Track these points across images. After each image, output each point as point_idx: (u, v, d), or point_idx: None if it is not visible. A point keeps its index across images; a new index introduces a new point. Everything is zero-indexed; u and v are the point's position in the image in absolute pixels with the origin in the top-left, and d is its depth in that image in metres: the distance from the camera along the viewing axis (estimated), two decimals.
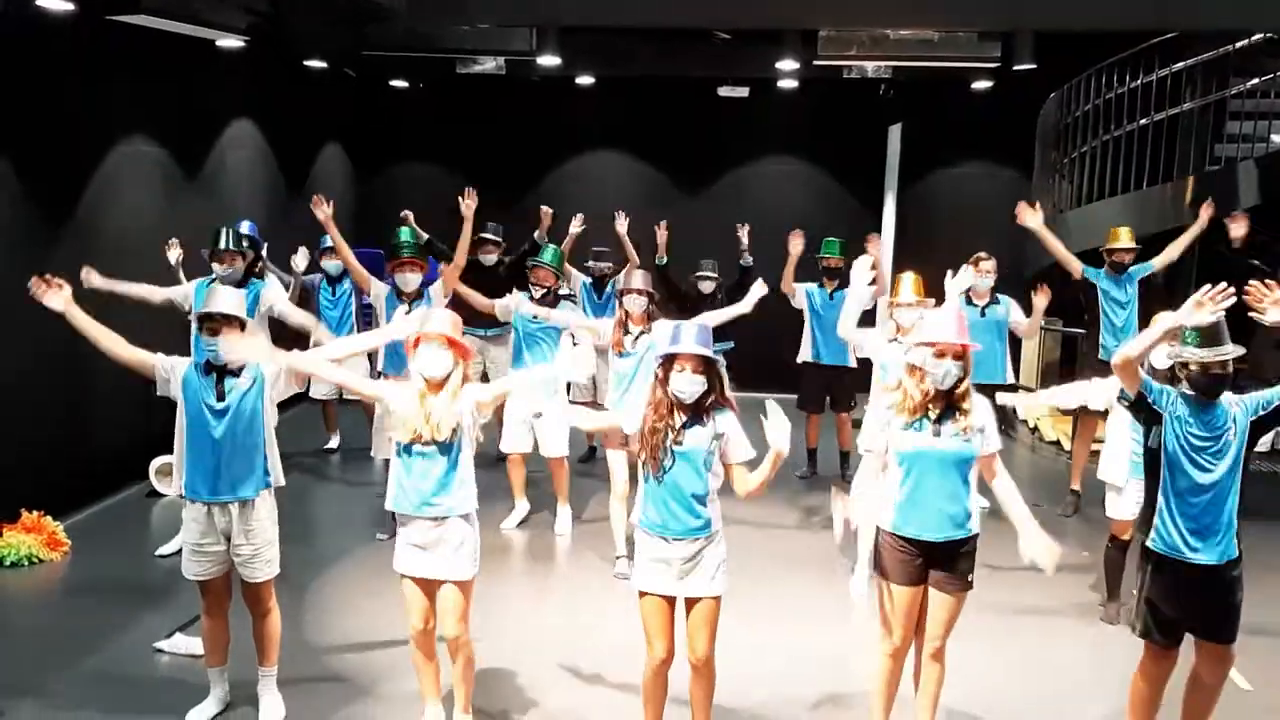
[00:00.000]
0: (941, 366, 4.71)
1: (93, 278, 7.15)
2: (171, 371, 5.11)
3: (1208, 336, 4.60)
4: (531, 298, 7.97)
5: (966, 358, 4.75)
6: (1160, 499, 4.75)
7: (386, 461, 7.70)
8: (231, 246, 7.52)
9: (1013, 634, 6.52)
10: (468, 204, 8.13)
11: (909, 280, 7.07)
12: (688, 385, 4.62)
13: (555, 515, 8.24)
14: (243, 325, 5.07)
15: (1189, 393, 4.68)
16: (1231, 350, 4.61)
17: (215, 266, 7.50)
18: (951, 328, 4.75)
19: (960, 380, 4.74)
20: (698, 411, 4.67)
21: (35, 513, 7.44)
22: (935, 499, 4.76)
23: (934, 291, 8.46)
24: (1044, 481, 9.97)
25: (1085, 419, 8.76)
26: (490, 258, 9.82)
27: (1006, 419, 11.89)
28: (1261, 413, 4.65)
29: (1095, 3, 8.42)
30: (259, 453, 5.14)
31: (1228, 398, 4.70)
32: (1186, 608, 4.77)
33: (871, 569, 5.44)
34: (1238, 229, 8.91)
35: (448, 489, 4.89)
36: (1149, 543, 4.80)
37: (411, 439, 4.84)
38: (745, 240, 9.75)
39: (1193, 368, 4.63)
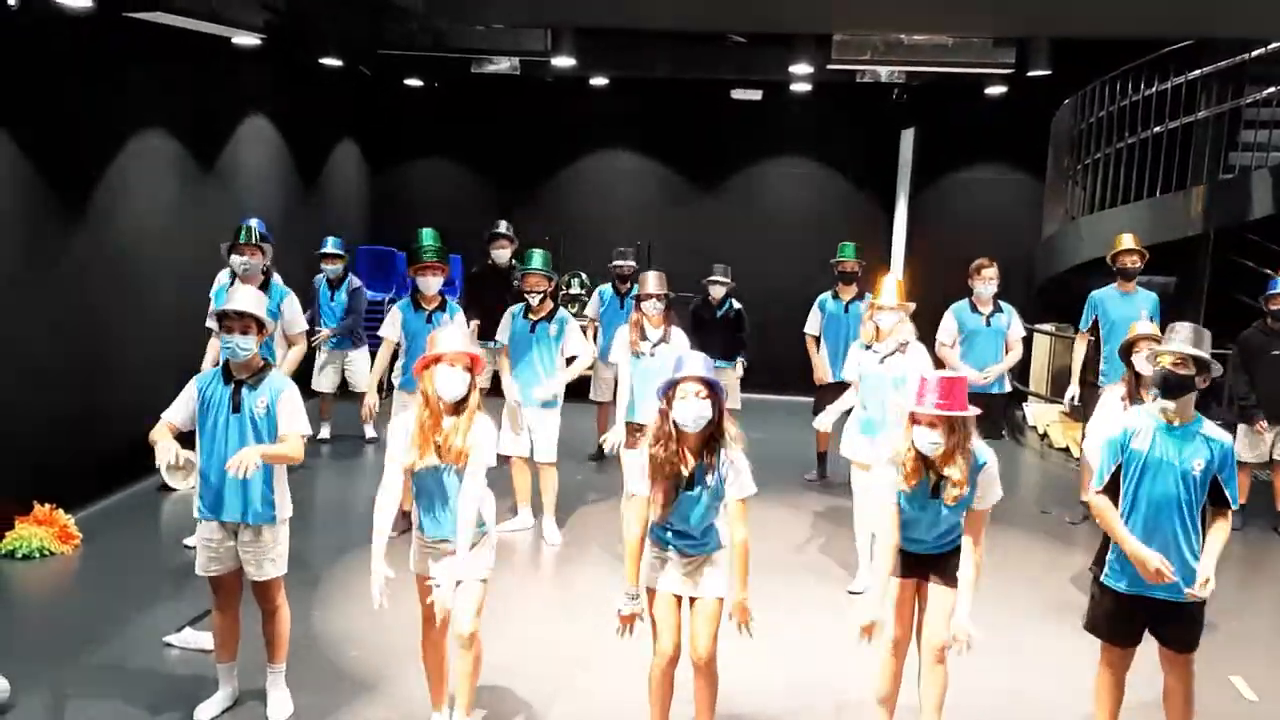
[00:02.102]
0: (924, 436, 4.66)
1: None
2: (189, 414, 5.09)
3: (1179, 335, 4.72)
4: (529, 307, 7.85)
5: (954, 426, 4.63)
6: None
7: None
8: (254, 241, 7.48)
9: (1015, 641, 6.51)
10: None
11: (891, 283, 7.04)
12: (692, 409, 4.52)
13: (543, 523, 8.10)
14: (260, 324, 5.06)
15: (1158, 414, 4.73)
16: (1192, 350, 4.64)
17: (234, 259, 7.46)
18: (931, 399, 4.62)
19: (948, 451, 4.65)
20: (705, 448, 4.62)
21: (47, 505, 7.48)
22: (929, 533, 4.86)
23: (930, 294, 8.48)
24: (1053, 487, 9.97)
25: None
26: (504, 253, 9.81)
27: (1017, 426, 11.89)
28: (1215, 473, 4.65)
29: (1110, 9, 8.39)
30: (272, 482, 5.11)
31: (1208, 428, 4.72)
32: (1141, 623, 4.85)
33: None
34: None
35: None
36: (1101, 579, 4.87)
37: (426, 464, 4.77)
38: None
39: (1160, 363, 4.69)
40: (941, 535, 4.86)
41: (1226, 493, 4.67)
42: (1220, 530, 4.72)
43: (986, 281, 8.53)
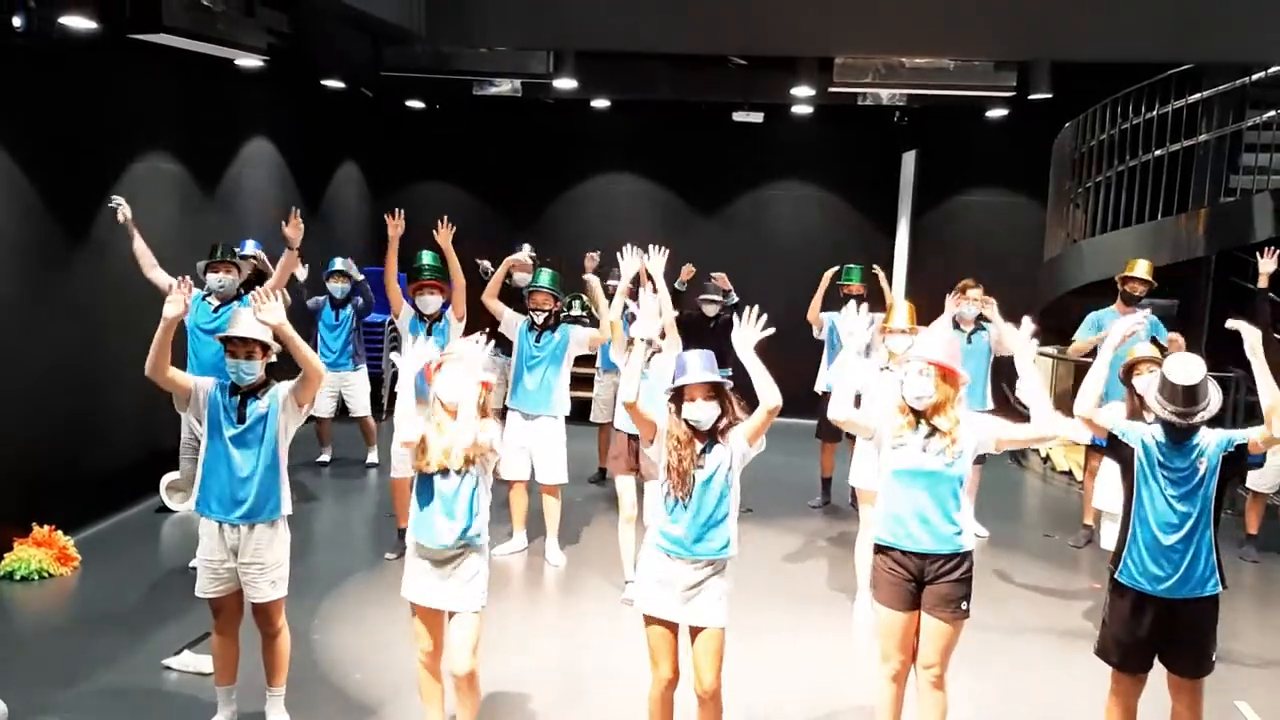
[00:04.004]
0: (916, 383, 4.77)
1: (125, 210, 7.46)
2: (199, 392, 5.14)
3: (1184, 399, 4.63)
4: (533, 323, 7.90)
5: (948, 380, 4.79)
6: (1130, 530, 4.82)
7: (394, 480, 7.79)
8: (227, 258, 7.51)
9: (1017, 664, 6.49)
10: (395, 226, 7.86)
11: (902, 308, 7.07)
12: (702, 413, 4.66)
13: (545, 545, 8.08)
14: (266, 348, 5.09)
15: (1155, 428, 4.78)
16: (1205, 414, 4.64)
17: (209, 277, 7.51)
18: (939, 348, 4.82)
19: (937, 403, 4.78)
20: (714, 434, 4.72)
21: (46, 527, 7.45)
22: (923, 512, 4.81)
23: (932, 316, 8.44)
24: (1056, 512, 9.93)
25: (1095, 453, 8.70)
26: (525, 276, 9.81)
27: (1020, 450, 11.85)
28: (1229, 450, 4.68)
29: (1112, 34, 8.42)
30: (273, 478, 5.13)
31: (1206, 433, 4.73)
32: (1152, 640, 4.82)
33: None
34: (1268, 265, 8.30)
35: (464, 517, 4.88)
36: (1117, 575, 4.86)
37: (431, 468, 4.85)
38: (726, 285, 9.65)
39: (1165, 419, 4.69)
40: (935, 523, 4.79)
41: (1239, 442, 4.65)
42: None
43: (971, 302, 8.51)
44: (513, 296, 9.72)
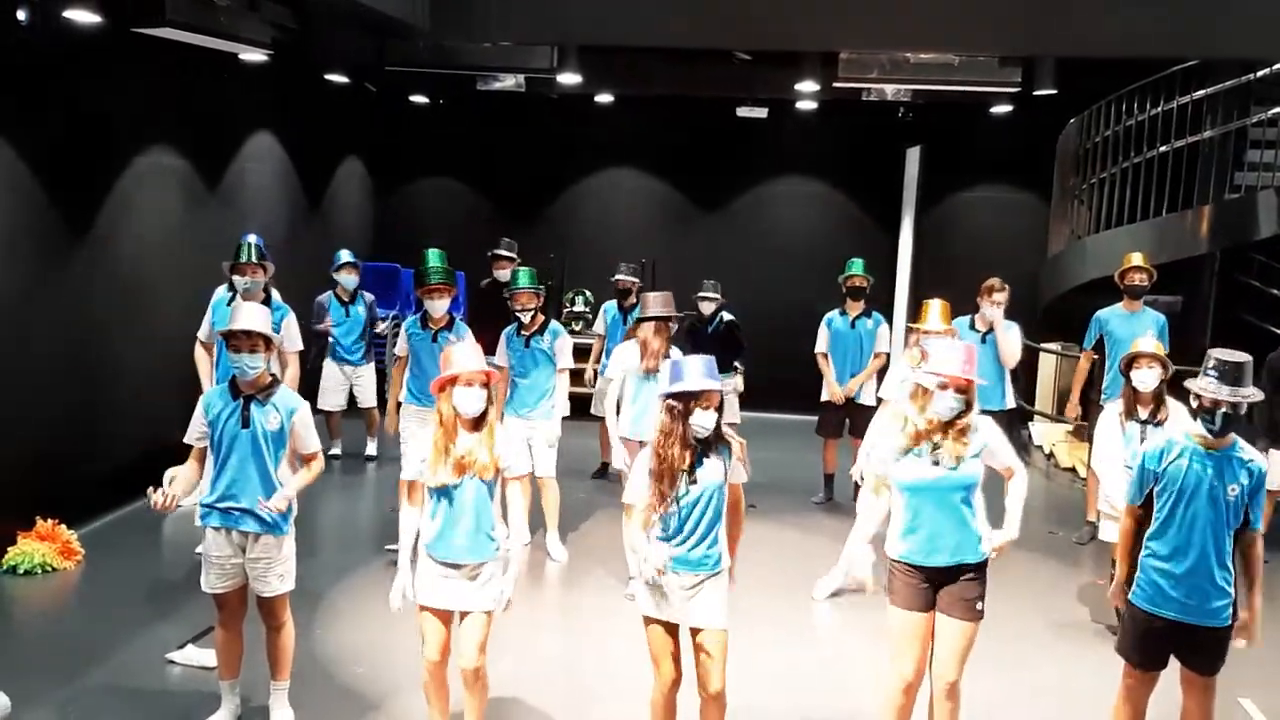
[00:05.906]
0: (944, 399, 4.72)
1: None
2: (204, 435, 5.14)
3: (1229, 374, 4.56)
4: (521, 325, 7.85)
5: (970, 392, 4.74)
6: (1145, 551, 4.78)
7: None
8: (254, 259, 7.55)
9: (1021, 661, 6.48)
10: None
11: (936, 307, 6.94)
12: (710, 421, 4.63)
13: (546, 540, 8.04)
14: (268, 341, 5.08)
15: (1195, 437, 4.70)
16: (1247, 394, 4.56)
17: (236, 279, 7.55)
18: (958, 361, 4.74)
19: (962, 414, 4.74)
20: (705, 445, 4.68)
21: (50, 521, 7.45)
22: (939, 526, 4.77)
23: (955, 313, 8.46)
24: (1059, 508, 9.91)
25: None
26: (504, 273, 9.85)
27: (1022, 445, 11.84)
28: (1247, 500, 4.65)
29: (1116, 30, 8.41)
30: (275, 488, 5.11)
31: (1245, 451, 4.67)
32: (1170, 644, 4.80)
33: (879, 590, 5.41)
34: None
35: (482, 530, 4.84)
36: (1130, 596, 4.84)
37: (443, 482, 4.79)
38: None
39: (1205, 400, 4.60)
40: (952, 536, 4.76)
41: (1249, 515, 4.64)
42: (1252, 554, 4.71)
43: (995, 305, 8.47)
44: (493, 296, 9.75)
